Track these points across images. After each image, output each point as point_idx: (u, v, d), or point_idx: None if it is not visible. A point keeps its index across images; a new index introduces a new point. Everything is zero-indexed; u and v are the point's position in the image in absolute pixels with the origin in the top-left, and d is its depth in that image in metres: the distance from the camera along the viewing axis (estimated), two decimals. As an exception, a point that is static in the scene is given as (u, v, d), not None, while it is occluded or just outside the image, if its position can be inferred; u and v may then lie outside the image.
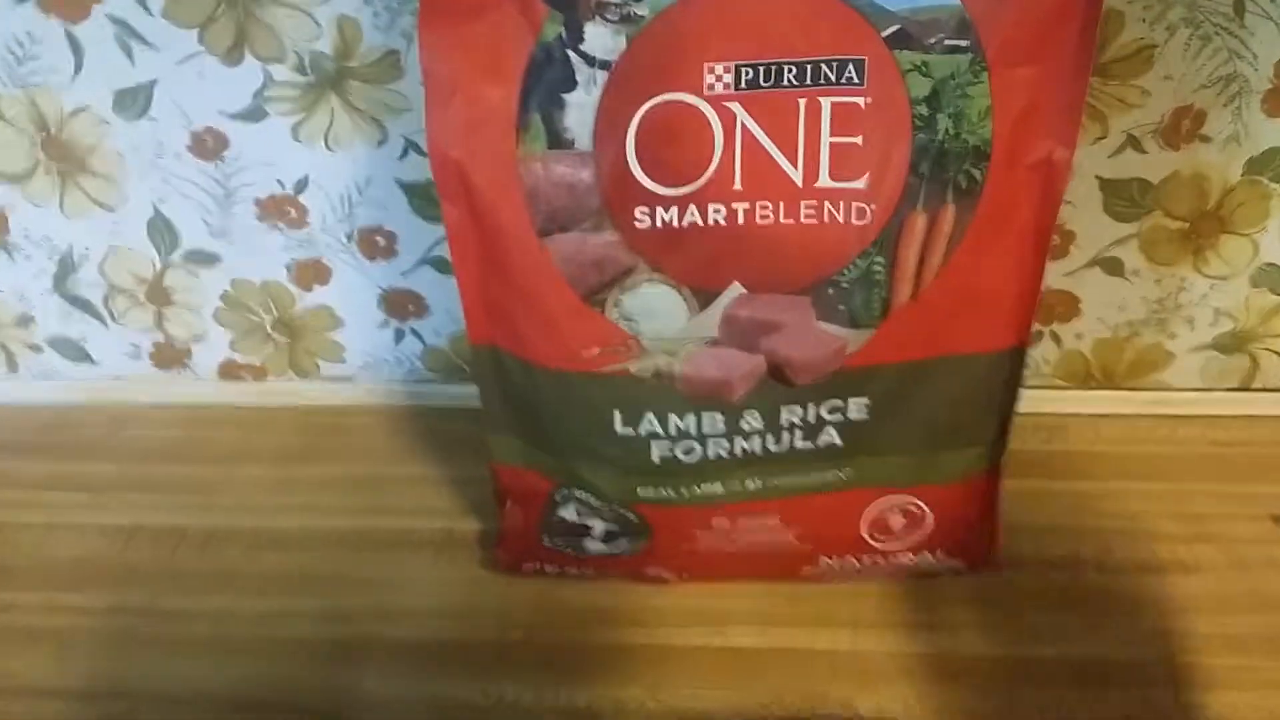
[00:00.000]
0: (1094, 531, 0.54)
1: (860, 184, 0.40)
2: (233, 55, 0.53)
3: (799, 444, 0.46)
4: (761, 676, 0.48)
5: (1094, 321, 0.60)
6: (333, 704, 0.48)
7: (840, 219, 0.40)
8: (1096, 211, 0.55)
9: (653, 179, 0.40)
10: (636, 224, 0.40)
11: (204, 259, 0.61)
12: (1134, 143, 0.53)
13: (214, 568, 0.55)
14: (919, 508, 0.49)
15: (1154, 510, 0.56)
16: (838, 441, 0.46)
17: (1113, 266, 0.58)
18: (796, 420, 0.45)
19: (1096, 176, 0.54)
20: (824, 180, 0.40)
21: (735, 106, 0.39)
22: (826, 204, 0.40)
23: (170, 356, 0.66)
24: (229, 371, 0.67)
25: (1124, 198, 0.55)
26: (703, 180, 0.40)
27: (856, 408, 0.45)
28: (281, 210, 0.58)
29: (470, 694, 0.48)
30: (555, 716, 0.47)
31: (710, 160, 0.39)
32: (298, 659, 0.50)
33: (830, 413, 0.45)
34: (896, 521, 0.50)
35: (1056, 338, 0.61)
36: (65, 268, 0.62)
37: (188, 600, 0.53)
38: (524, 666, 0.49)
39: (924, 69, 0.38)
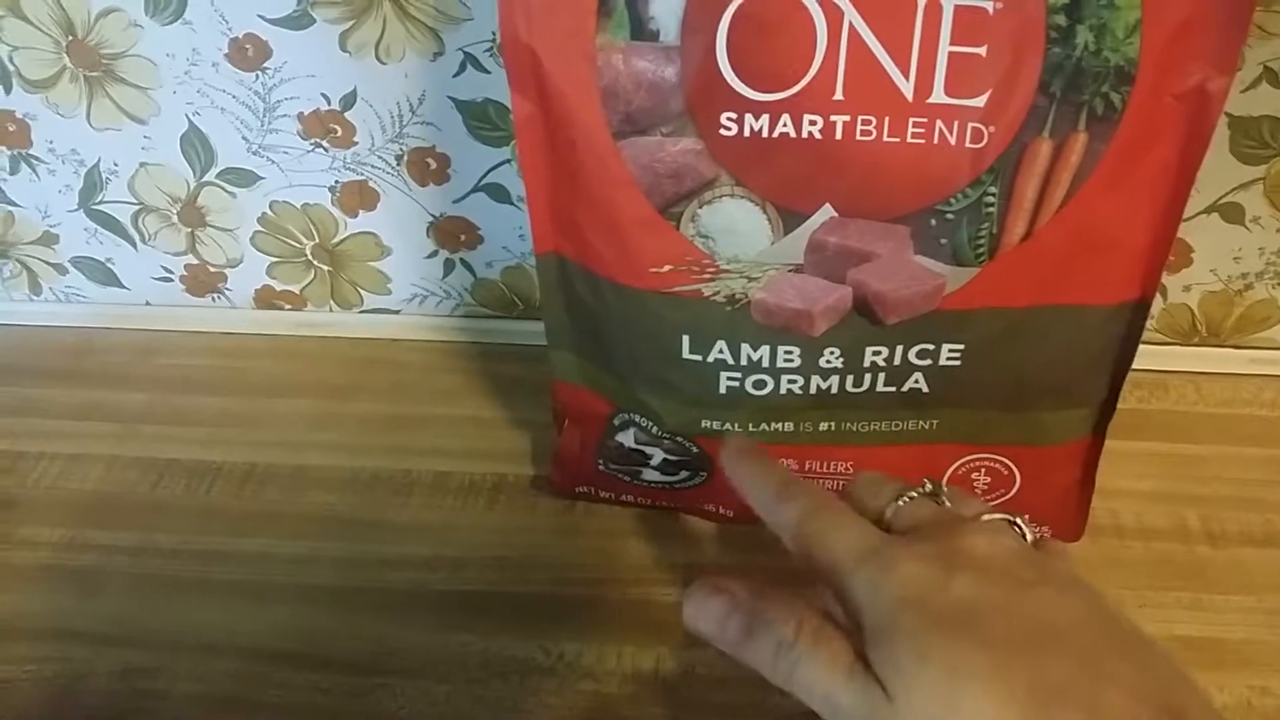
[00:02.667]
0: (1200, 499, 0.50)
1: (979, 102, 0.35)
2: (276, -47, 0.48)
3: (881, 388, 0.42)
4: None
5: (1205, 273, 0.56)
6: (375, 657, 0.45)
7: (952, 141, 0.36)
8: (1221, 152, 0.50)
9: (744, 82, 0.35)
10: (722, 131, 0.36)
11: (242, 178, 0.57)
12: (1271, 76, 0.47)
13: (251, 507, 0.52)
14: (1007, 468, 0.45)
15: (1262, 478, 0.51)
16: (924, 389, 0.42)
17: (1232, 213, 0.53)
18: (881, 362, 0.41)
19: (1225, 113, 0.49)
20: (938, 95, 0.35)
21: (843, 3, 0.34)
22: (938, 123, 0.36)
23: (203, 282, 0.63)
24: (265, 299, 0.64)
25: (1253, 137, 0.50)
26: (799, 87, 0.35)
27: (949, 354, 0.41)
28: (326, 127, 0.54)
29: (528, 651, 0.45)
30: (620, 678, 0.44)
31: (810, 64, 0.35)
32: (338, 607, 0.47)
33: (919, 357, 0.41)
34: (980, 481, 0.46)
35: (1163, 289, 0.56)
36: (92, 184, 0.59)
37: (222, 541, 0.50)
38: (585, 624, 0.46)
39: (1065, -29, 0.33)
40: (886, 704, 0.27)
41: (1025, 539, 0.31)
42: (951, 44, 0.34)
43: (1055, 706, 0.25)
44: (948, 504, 0.32)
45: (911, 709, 0.26)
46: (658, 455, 0.46)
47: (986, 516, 0.31)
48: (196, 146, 0.56)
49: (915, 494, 0.32)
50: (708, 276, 0.39)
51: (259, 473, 0.53)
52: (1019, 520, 0.32)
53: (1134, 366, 0.42)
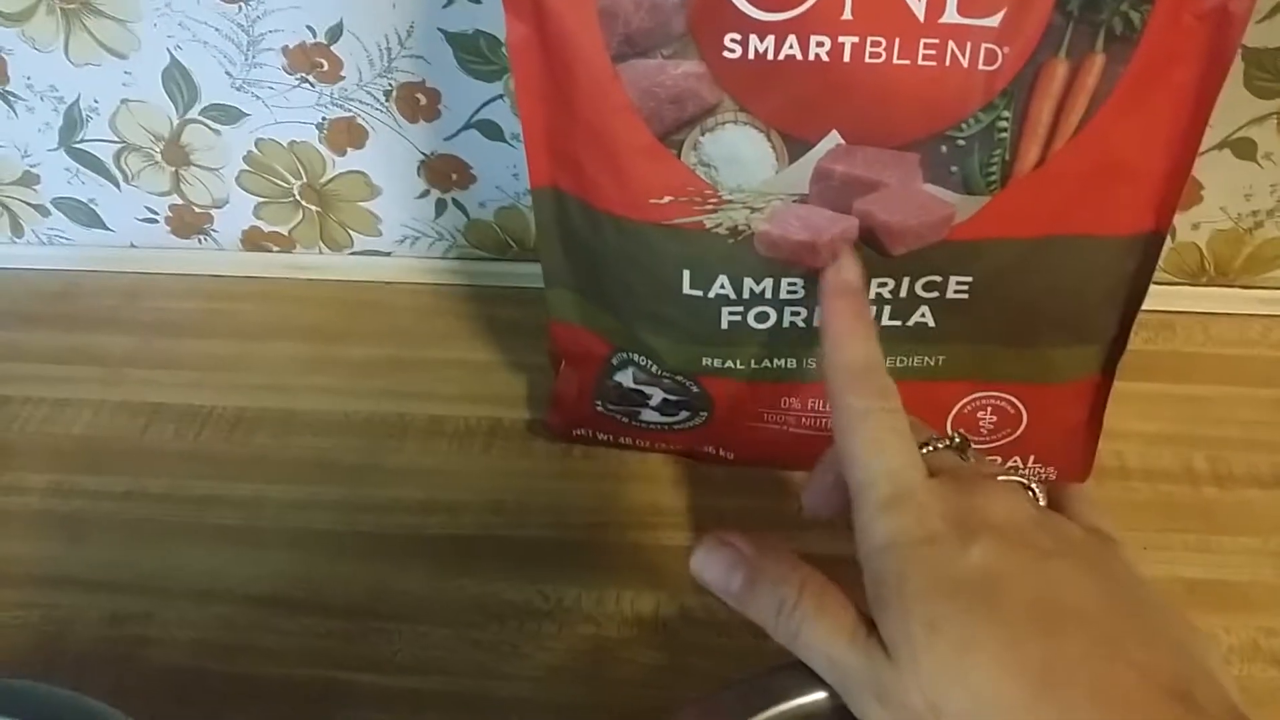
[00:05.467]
0: (1207, 441, 0.49)
1: (993, 21, 0.34)
2: (257, -126, 0.46)
3: (886, 321, 0.41)
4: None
5: (1215, 210, 0.54)
6: (372, 602, 0.44)
7: (964, 63, 0.34)
8: (1234, 85, 0.49)
9: (749, 0, 0.34)
10: (725, 53, 0.35)
11: (226, 115, 0.55)
12: (1288, 4, 0.46)
13: (242, 452, 0.51)
14: (1014, 406, 0.44)
15: (1270, 419, 0.51)
16: (931, 323, 0.41)
17: (1244, 149, 0.51)
18: (886, 294, 0.40)
19: (1240, 45, 0.47)
20: (950, 15, 0.34)
21: (854, -84, 0.32)
22: (950, 44, 0.34)
23: (189, 223, 0.61)
24: (253, 241, 0.62)
25: (1268, 70, 0.48)
26: (807, 5, 0.33)
27: (957, 286, 0.40)
28: (312, 62, 0.52)
29: (526, 595, 0.44)
30: (620, 622, 0.43)
31: (818, -20, 0.33)
32: (333, 553, 0.46)
33: (926, 289, 0.40)
34: (986, 420, 0.45)
35: (1171, 229, 0.55)
36: (72, 121, 0.57)
37: (213, 486, 0.49)
38: (583, 568, 0.45)
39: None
40: (891, 670, 0.27)
41: (1040, 504, 0.31)
42: (965, -40, 0.33)
43: (1065, 686, 0.25)
44: (971, 460, 0.32)
45: (918, 677, 0.26)
46: (657, 395, 0.45)
47: (1002, 478, 0.31)
48: (179, 82, 0.54)
49: (941, 445, 0.32)
50: (710, 208, 0.38)
51: (249, 417, 0.52)
52: (1034, 485, 0.31)
53: (1143, 306, 0.41)
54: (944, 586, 0.27)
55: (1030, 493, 0.31)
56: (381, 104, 0.54)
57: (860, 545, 0.29)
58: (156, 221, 0.62)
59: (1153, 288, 0.57)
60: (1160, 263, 0.56)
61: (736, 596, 0.31)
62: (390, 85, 0.53)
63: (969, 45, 0.34)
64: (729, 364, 0.43)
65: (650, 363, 0.44)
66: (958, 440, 0.33)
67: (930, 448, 0.32)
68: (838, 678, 0.28)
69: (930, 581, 0.27)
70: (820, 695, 0.29)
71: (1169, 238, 0.55)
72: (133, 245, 0.63)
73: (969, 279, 0.39)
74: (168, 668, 0.42)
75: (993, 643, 0.26)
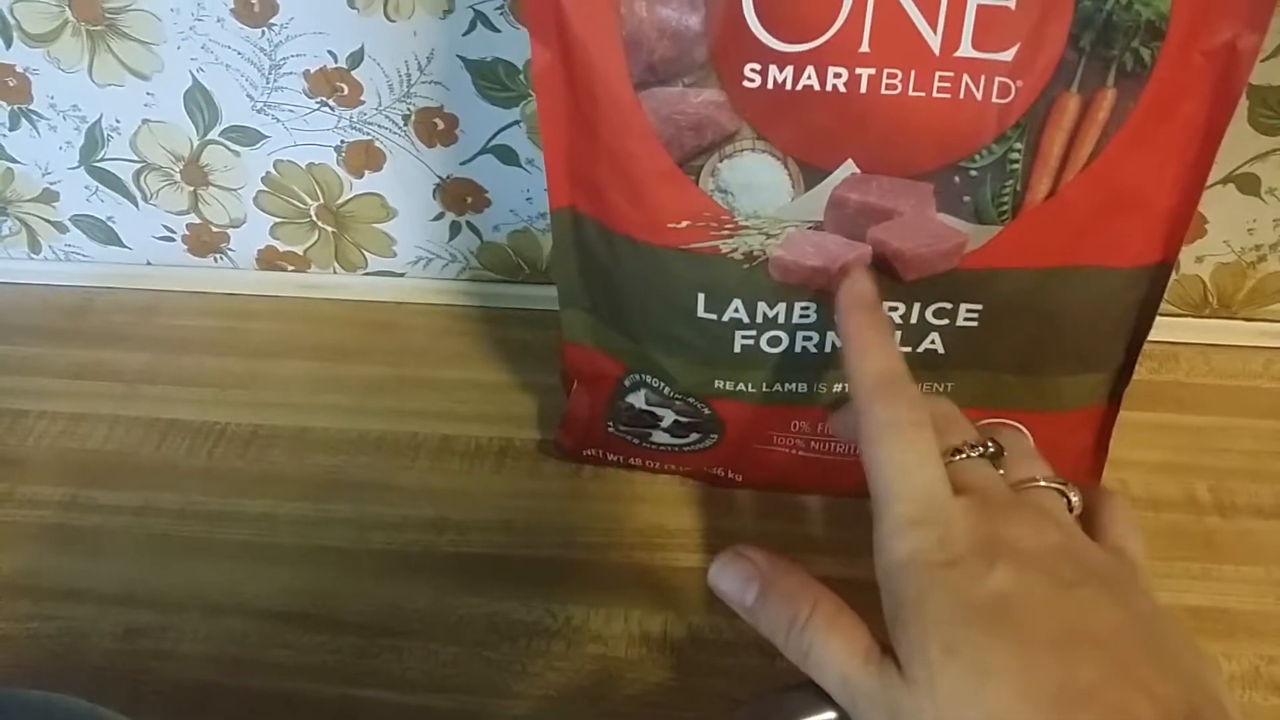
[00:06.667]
0: (1211, 471, 0.50)
1: (1007, 56, 0.34)
2: (283, -97, 0.47)
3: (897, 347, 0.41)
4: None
5: (1218, 244, 0.55)
6: (383, 619, 0.44)
7: (978, 95, 0.35)
8: (1238, 122, 0.50)
9: (769, 31, 0.34)
10: (745, 83, 0.35)
11: (246, 137, 0.56)
12: (1292, 43, 0.47)
13: (255, 469, 0.51)
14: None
15: (1272, 450, 0.51)
16: (941, 350, 0.41)
17: (1248, 184, 0.52)
18: (897, 319, 0.40)
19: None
20: (965, 49, 0.34)
21: (873, -47, 0.33)
22: (965, 77, 0.35)
23: (206, 242, 0.62)
24: (268, 260, 0.63)
25: (1272, 107, 0.49)
26: (825, 37, 0.34)
27: (967, 314, 0.40)
28: (333, 86, 0.53)
29: (535, 614, 0.44)
30: (628, 641, 0.44)
31: (837, 14, 0.34)
32: (345, 569, 0.46)
33: (936, 316, 0.40)
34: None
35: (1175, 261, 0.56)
36: (93, 140, 0.58)
37: (227, 502, 0.49)
38: (592, 588, 0.45)
39: (1097, -80, 0.33)
40: (905, 690, 0.27)
41: (1071, 508, 0.31)
42: (980, -4, 0.34)
43: (1080, 711, 0.25)
44: (1003, 471, 0.32)
45: (933, 699, 0.26)
46: (668, 417, 0.46)
47: (1042, 482, 0.31)
48: (200, 104, 0.55)
49: (977, 453, 0.32)
50: (726, 233, 0.39)
51: (263, 434, 0.53)
52: (1068, 491, 0.31)
53: (1147, 338, 0.42)
54: (964, 611, 0.27)
55: (1065, 499, 0.31)
56: (400, 128, 0.55)
57: (878, 560, 0.29)
58: (173, 240, 0.62)
59: (1157, 319, 0.57)
60: (1165, 294, 0.57)
61: (750, 610, 0.31)
62: (409, 110, 0.54)
63: (983, 78, 0.35)
64: (741, 387, 0.43)
65: (662, 384, 0.44)
66: (991, 449, 0.32)
67: (963, 455, 0.31)
68: (849, 697, 0.28)
69: (950, 606, 0.27)
70: (830, 716, 0.29)
71: (1174, 269, 0.56)
72: (149, 263, 0.64)
73: (979, 307, 0.40)
74: (181, 681, 0.43)
75: (1009, 668, 0.26)
